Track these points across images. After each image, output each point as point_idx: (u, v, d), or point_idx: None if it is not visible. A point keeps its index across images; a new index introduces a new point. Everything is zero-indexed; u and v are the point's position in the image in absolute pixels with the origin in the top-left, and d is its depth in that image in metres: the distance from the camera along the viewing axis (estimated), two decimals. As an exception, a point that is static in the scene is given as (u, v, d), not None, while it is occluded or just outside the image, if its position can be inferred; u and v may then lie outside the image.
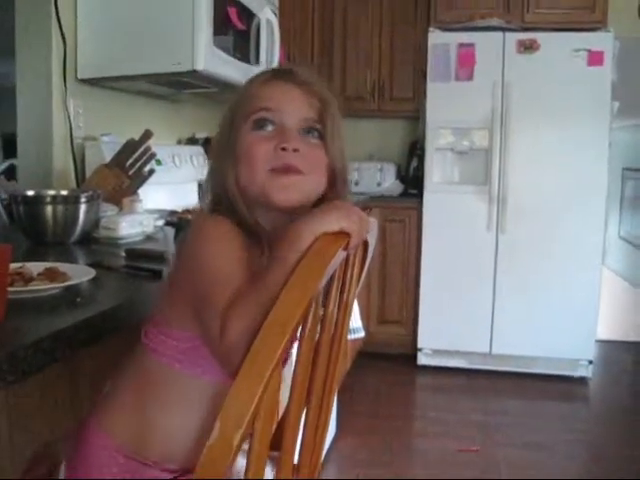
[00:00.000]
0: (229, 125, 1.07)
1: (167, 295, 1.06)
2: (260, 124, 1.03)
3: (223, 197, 1.05)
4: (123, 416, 1.06)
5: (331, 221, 0.85)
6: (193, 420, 1.03)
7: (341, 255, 0.84)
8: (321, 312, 0.87)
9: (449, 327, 4.34)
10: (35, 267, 1.27)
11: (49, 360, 0.93)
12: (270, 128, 1.03)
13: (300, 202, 1.02)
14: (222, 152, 1.07)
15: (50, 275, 1.23)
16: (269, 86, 1.05)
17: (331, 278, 0.85)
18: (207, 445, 0.68)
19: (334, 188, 1.07)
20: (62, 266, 1.30)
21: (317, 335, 0.88)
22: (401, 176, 4.83)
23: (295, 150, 1.01)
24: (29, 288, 1.16)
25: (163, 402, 1.04)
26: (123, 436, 1.05)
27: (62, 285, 1.19)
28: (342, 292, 0.93)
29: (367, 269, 1.07)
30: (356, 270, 0.97)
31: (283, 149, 1.01)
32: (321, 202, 1.04)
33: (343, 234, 0.85)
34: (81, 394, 1.54)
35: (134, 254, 1.67)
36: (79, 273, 1.27)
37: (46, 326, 0.98)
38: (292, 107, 1.03)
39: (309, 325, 0.77)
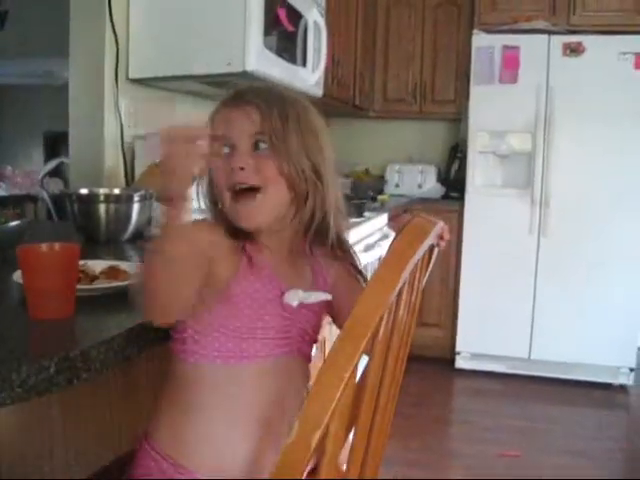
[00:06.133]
0: None
1: None
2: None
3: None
4: (160, 421, 1.12)
5: None
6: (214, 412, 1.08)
7: (427, 244, 0.86)
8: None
9: (488, 331, 4.31)
10: (96, 265, 1.30)
11: (120, 358, 0.95)
12: (227, 150, 1.10)
13: (268, 220, 1.11)
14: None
15: (112, 273, 1.26)
16: (218, 114, 1.14)
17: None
18: (285, 445, 0.68)
19: (317, 186, 1.12)
20: (122, 264, 1.32)
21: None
22: (442, 179, 4.81)
23: (241, 168, 1.08)
24: (95, 286, 1.18)
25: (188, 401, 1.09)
26: (161, 437, 1.10)
27: (126, 283, 1.21)
28: (410, 296, 0.93)
29: (429, 273, 1.08)
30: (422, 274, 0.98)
31: (232, 169, 1.09)
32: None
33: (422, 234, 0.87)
34: (135, 392, 1.56)
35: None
36: (140, 272, 1.29)
37: (116, 325, 1.00)
38: (236, 129, 1.10)
39: (383, 328, 0.77)
